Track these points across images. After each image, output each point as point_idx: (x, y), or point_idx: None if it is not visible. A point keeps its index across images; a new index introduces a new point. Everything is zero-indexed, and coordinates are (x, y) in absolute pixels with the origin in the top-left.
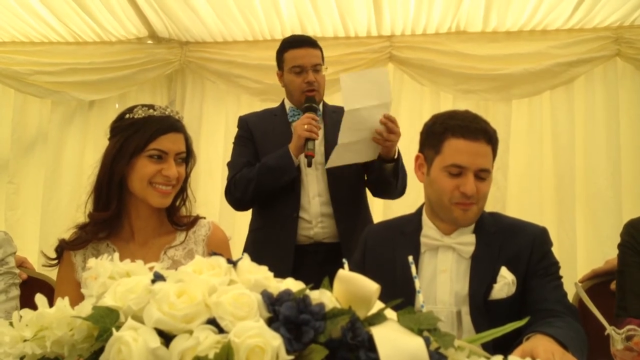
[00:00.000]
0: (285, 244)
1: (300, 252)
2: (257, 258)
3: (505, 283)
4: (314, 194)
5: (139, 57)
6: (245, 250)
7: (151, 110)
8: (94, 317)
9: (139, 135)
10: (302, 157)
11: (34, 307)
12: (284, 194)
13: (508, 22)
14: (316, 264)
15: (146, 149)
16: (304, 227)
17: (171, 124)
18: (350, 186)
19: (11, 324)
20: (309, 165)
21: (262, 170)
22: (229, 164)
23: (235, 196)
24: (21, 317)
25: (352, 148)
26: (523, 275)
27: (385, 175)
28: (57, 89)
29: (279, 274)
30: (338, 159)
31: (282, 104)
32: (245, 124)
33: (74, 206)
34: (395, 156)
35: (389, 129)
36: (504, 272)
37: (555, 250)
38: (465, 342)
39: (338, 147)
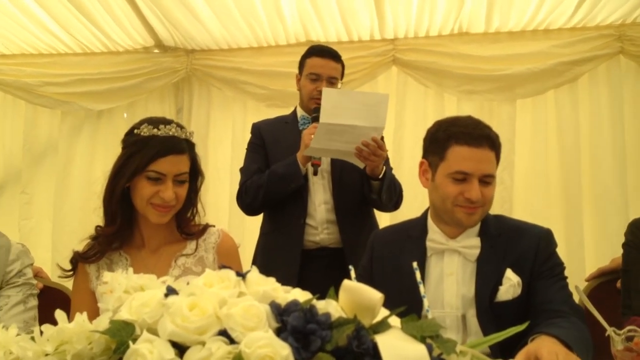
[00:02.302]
0: (292, 248)
1: (307, 257)
2: (267, 261)
3: (510, 285)
4: (320, 201)
5: (146, 66)
6: (256, 253)
7: (155, 130)
8: (111, 330)
9: (140, 155)
10: (309, 165)
11: (49, 315)
12: (292, 201)
13: (510, 23)
14: (321, 268)
15: (145, 170)
16: (310, 232)
17: (172, 146)
18: (354, 195)
19: (33, 338)
20: (315, 173)
21: (271, 178)
22: (242, 170)
23: (246, 202)
24: (42, 332)
25: (331, 151)
26: (528, 276)
27: (372, 191)
28: (66, 100)
29: (287, 277)
30: (315, 153)
31: (294, 112)
32: (258, 131)
33: (83, 214)
34: (381, 175)
35: (372, 150)
36: (510, 274)
37: (562, 248)
38: (468, 346)
39: (310, 148)
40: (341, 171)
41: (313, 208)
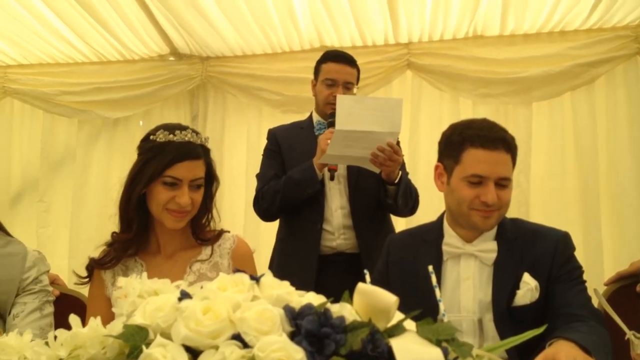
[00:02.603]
0: (309, 254)
1: (324, 262)
2: (284, 267)
3: (528, 289)
4: (336, 206)
5: (162, 74)
6: (273, 258)
7: (171, 136)
8: (124, 335)
9: (156, 160)
10: (325, 170)
11: (66, 323)
12: (308, 206)
13: (526, 25)
14: (338, 273)
15: (162, 176)
16: (327, 238)
17: (188, 152)
18: (371, 200)
19: (47, 343)
20: (332, 178)
21: (288, 183)
22: (258, 176)
23: (263, 207)
24: (56, 337)
25: (346, 157)
26: (546, 280)
27: (387, 196)
28: (83, 108)
29: (304, 282)
30: (330, 160)
31: (310, 117)
32: (274, 136)
33: (101, 222)
34: (397, 180)
35: (387, 156)
36: (527, 278)
37: (580, 252)
38: (485, 350)
39: (326, 155)
40: (357, 176)
41: (330, 213)
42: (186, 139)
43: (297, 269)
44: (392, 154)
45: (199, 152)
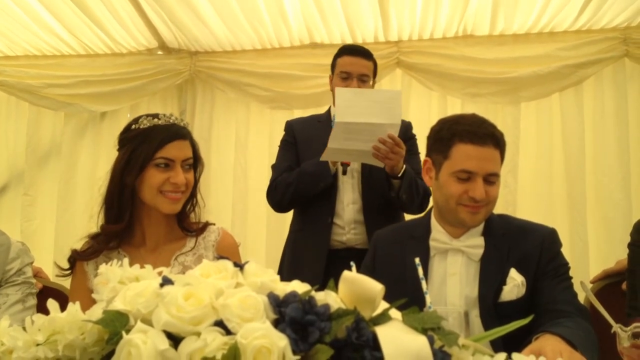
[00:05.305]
0: (319, 247)
1: (333, 256)
2: (296, 259)
3: (514, 285)
4: (348, 201)
5: (150, 68)
6: (285, 250)
7: (156, 120)
8: (104, 320)
9: (145, 145)
10: (339, 164)
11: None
12: (320, 200)
13: (515, 25)
14: (347, 268)
15: (154, 159)
16: (337, 232)
17: (176, 132)
18: (382, 195)
19: (24, 328)
20: (344, 173)
21: (301, 176)
22: (274, 167)
23: (276, 199)
24: (33, 321)
25: (348, 152)
26: (533, 276)
27: (392, 190)
28: (69, 101)
29: (313, 276)
30: (330, 156)
31: (328, 111)
32: (291, 128)
33: (87, 217)
34: (400, 174)
35: (389, 148)
36: (514, 273)
37: (567, 251)
38: (470, 340)
39: (327, 149)
40: (370, 171)
41: (341, 207)
42: (171, 121)
43: (307, 262)
44: (393, 146)
45: (185, 132)
